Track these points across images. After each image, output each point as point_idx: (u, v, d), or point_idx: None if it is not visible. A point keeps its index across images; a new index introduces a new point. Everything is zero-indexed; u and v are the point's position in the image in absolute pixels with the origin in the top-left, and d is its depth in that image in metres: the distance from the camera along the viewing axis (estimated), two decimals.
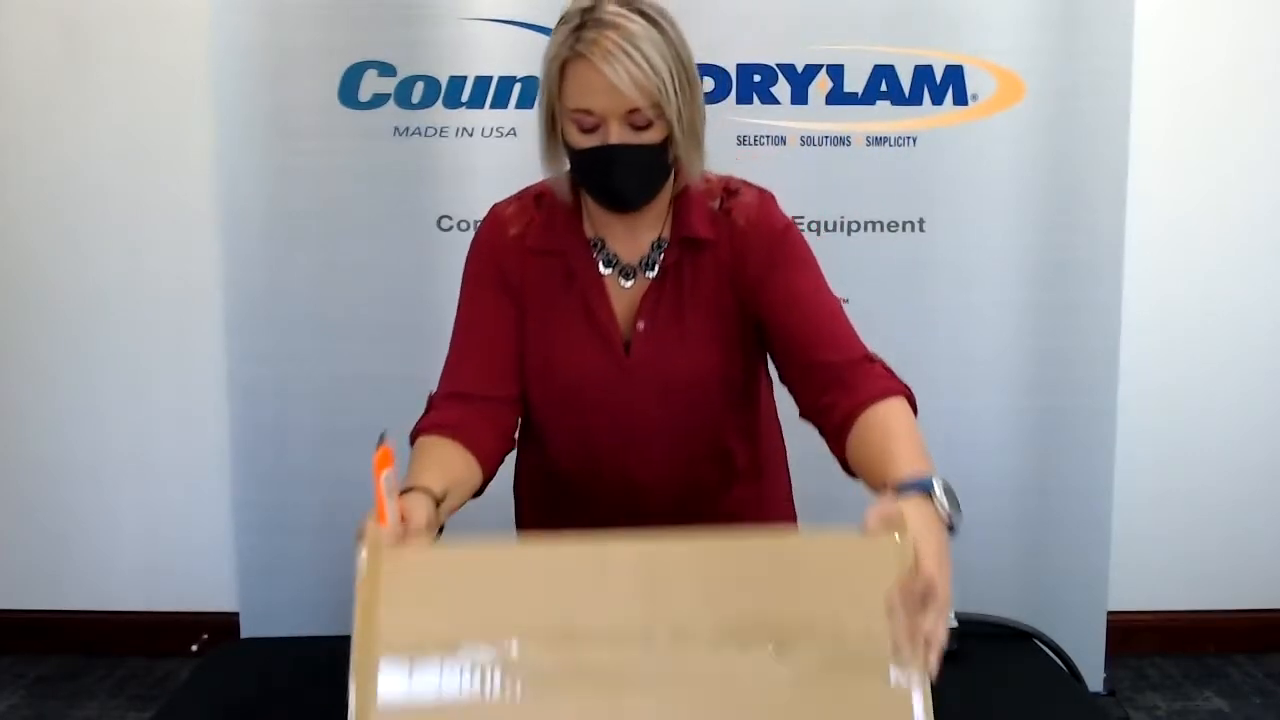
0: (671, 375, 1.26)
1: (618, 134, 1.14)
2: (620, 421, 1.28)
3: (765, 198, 1.30)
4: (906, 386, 1.21)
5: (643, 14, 1.13)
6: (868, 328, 2.35)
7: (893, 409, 1.16)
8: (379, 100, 2.29)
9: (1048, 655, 1.31)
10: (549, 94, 1.19)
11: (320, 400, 2.37)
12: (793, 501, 1.50)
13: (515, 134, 2.26)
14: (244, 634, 2.39)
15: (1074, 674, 1.30)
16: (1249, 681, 2.65)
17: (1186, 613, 2.78)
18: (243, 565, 2.44)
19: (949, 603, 0.90)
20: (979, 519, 2.41)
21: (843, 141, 2.30)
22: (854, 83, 2.28)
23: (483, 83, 2.28)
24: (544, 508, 1.43)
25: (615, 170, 1.16)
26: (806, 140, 2.30)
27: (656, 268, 1.26)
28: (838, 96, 2.29)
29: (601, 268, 1.27)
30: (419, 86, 2.28)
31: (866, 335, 2.27)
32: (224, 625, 2.58)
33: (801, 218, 2.31)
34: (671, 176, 1.23)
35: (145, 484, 2.75)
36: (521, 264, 1.28)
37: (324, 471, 2.38)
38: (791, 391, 1.27)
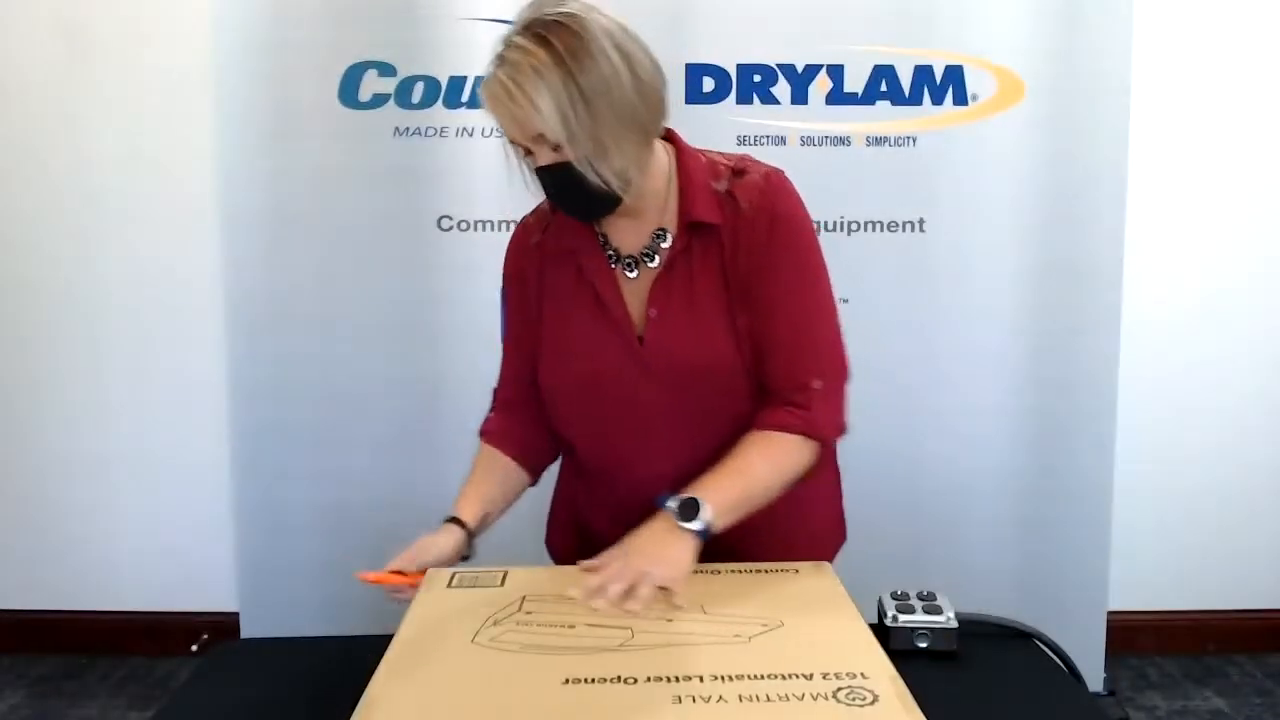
0: (685, 362, 1.26)
1: (542, 157, 1.17)
2: (637, 411, 1.29)
3: (771, 178, 1.29)
4: (815, 424, 1.26)
5: (540, 38, 1.12)
6: (868, 328, 2.36)
7: (764, 441, 1.24)
8: (379, 100, 2.29)
9: (1048, 655, 1.31)
10: None
11: (320, 400, 2.37)
12: (833, 493, 1.49)
13: None
14: (244, 634, 2.39)
15: (1074, 674, 1.30)
16: (1249, 681, 2.65)
17: (1186, 613, 2.78)
18: (243, 565, 2.44)
19: (657, 566, 1.13)
20: (979, 519, 2.44)
21: (843, 141, 2.30)
22: (854, 83, 2.28)
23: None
24: (566, 503, 1.48)
25: (553, 190, 1.21)
26: (806, 140, 2.30)
27: (657, 257, 1.28)
28: (838, 96, 2.29)
29: (611, 262, 1.29)
30: (419, 86, 2.28)
31: (867, 335, 2.27)
32: (224, 625, 2.58)
33: None
34: (630, 178, 1.21)
35: (145, 484, 2.76)
36: (539, 267, 1.33)
37: (324, 471, 2.38)
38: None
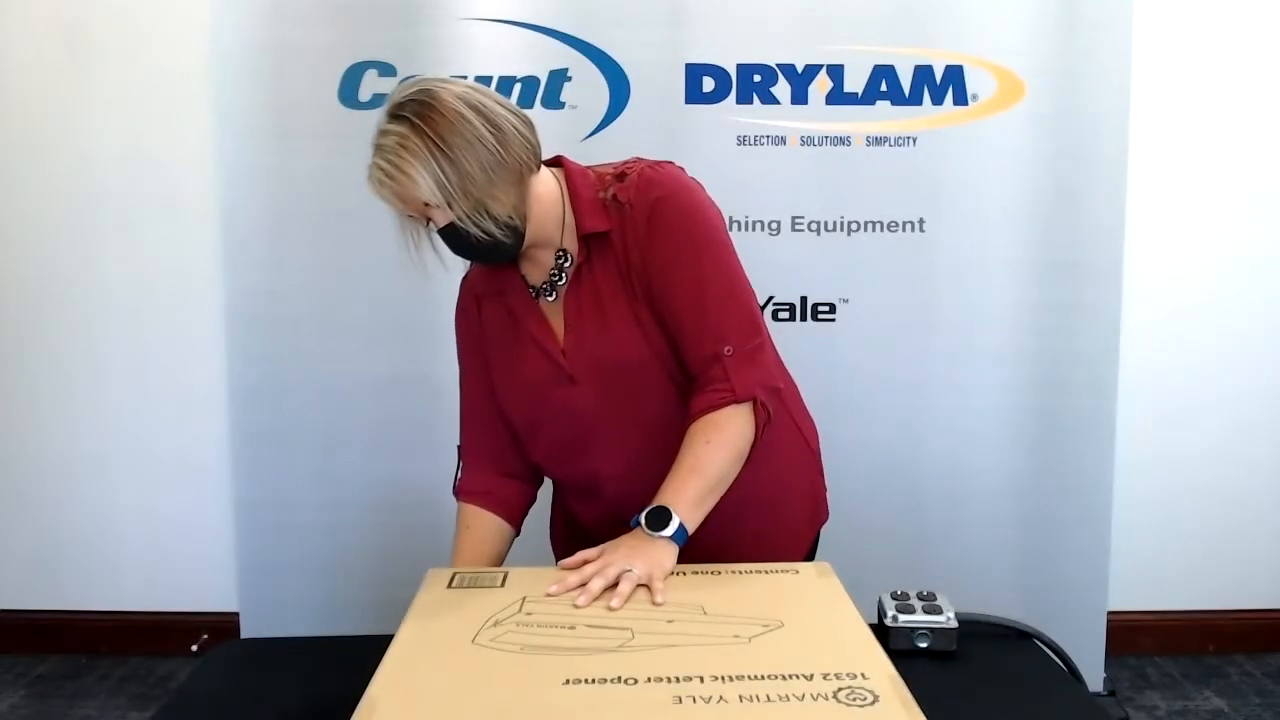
0: (599, 362, 1.33)
1: (437, 219, 1.27)
2: (575, 421, 1.36)
3: (647, 171, 1.34)
4: (739, 388, 1.29)
5: (406, 119, 1.21)
6: (868, 328, 2.36)
7: (702, 428, 1.28)
8: (379, 100, 2.28)
9: (1048, 655, 1.31)
10: None
11: (320, 400, 2.37)
12: (803, 467, 1.50)
13: None
14: (244, 634, 2.39)
15: (1074, 674, 1.30)
16: (1249, 681, 2.65)
17: (1186, 613, 2.78)
18: (243, 565, 2.44)
19: (639, 564, 1.18)
20: (979, 519, 2.44)
21: (843, 141, 2.30)
22: (854, 83, 2.28)
23: (483, 83, 2.27)
24: (560, 508, 1.53)
25: (454, 247, 1.31)
26: (806, 140, 2.30)
27: (564, 275, 1.36)
28: (838, 96, 2.29)
29: (533, 294, 1.38)
30: None
31: (867, 335, 2.28)
32: (224, 625, 2.58)
33: (802, 218, 2.31)
34: (519, 219, 1.28)
35: (145, 484, 2.76)
36: (479, 311, 1.43)
37: (324, 471, 2.39)
38: None
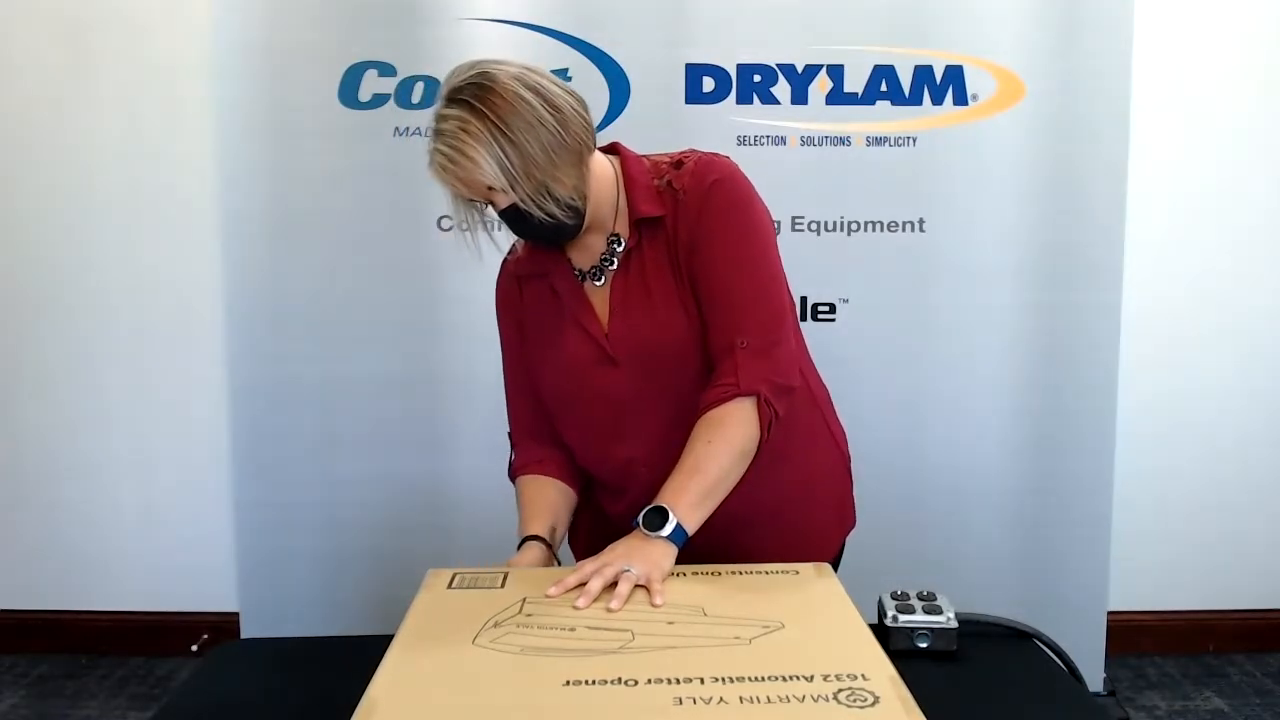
0: (643, 346, 1.33)
1: (498, 202, 1.27)
2: (610, 404, 1.36)
3: (704, 160, 1.35)
4: (744, 382, 1.28)
5: (462, 103, 1.21)
6: (868, 328, 2.36)
7: (705, 425, 1.28)
8: (379, 100, 2.29)
9: (1048, 655, 1.31)
10: None
11: (320, 400, 2.37)
12: (834, 475, 1.51)
13: None
14: (244, 634, 2.39)
15: (1074, 674, 1.30)
16: (1249, 681, 2.65)
17: (1186, 613, 2.78)
18: (243, 565, 2.44)
19: (638, 564, 1.19)
20: (979, 519, 2.43)
21: (843, 141, 2.30)
22: (854, 83, 2.28)
23: None
24: (584, 521, 1.51)
25: (515, 229, 1.32)
26: (806, 140, 2.30)
27: (615, 260, 1.36)
28: (838, 96, 2.29)
29: (579, 277, 1.38)
30: (419, 86, 2.28)
31: (867, 335, 2.27)
32: (224, 625, 2.58)
33: (802, 218, 2.31)
34: (580, 200, 1.29)
35: (146, 484, 2.76)
36: (521, 292, 1.43)
37: (324, 471, 2.39)
38: None
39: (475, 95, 1.20)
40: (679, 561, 1.23)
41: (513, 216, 1.27)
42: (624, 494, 1.40)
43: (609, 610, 1.12)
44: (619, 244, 1.36)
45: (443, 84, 1.25)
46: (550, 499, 1.41)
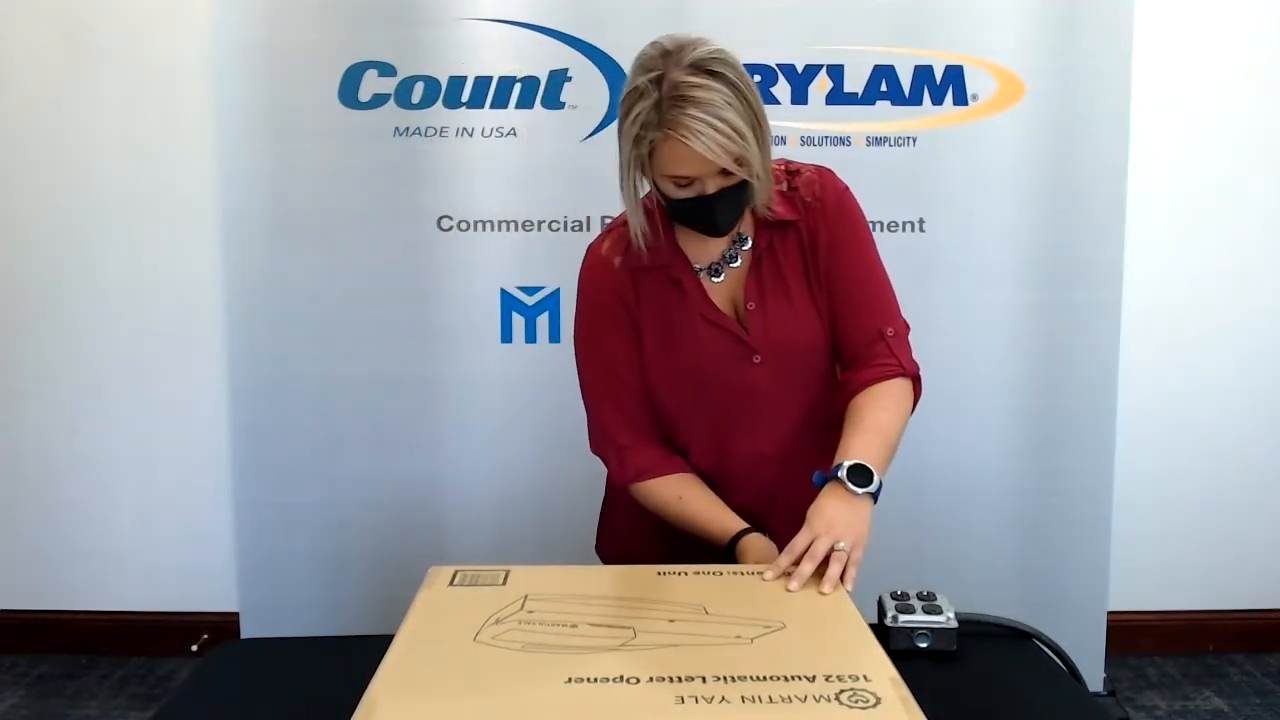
0: (786, 344, 1.39)
1: (712, 185, 1.27)
2: (746, 399, 1.40)
3: (823, 172, 1.43)
4: (905, 364, 1.39)
5: (714, 74, 1.21)
6: None
7: (874, 396, 1.35)
8: (379, 100, 2.29)
9: (1048, 655, 1.31)
10: (638, 159, 1.28)
11: (320, 400, 2.37)
12: None
13: (515, 134, 2.26)
14: (244, 634, 2.39)
15: (1074, 674, 1.30)
16: (1249, 681, 2.65)
17: (1186, 613, 2.78)
18: (243, 565, 2.44)
19: (846, 535, 1.21)
20: (979, 519, 2.43)
21: (843, 141, 2.30)
22: (854, 83, 2.28)
23: (483, 83, 2.28)
24: (621, 509, 1.51)
25: (713, 213, 1.30)
26: (806, 140, 2.30)
27: (739, 259, 1.40)
28: (838, 96, 2.29)
29: (695, 273, 1.40)
30: (419, 86, 2.28)
31: None
32: (224, 625, 2.58)
33: None
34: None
35: (146, 484, 2.76)
36: (634, 284, 1.41)
37: (324, 471, 2.39)
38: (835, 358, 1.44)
39: (728, 68, 1.22)
40: (694, 560, 1.25)
41: (727, 198, 1.27)
42: (737, 489, 1.42)
43: (821, 594, 1.15)
44: (744, 243, 1.39)
45: (670, 51, 1.24)
46: (713, 495, 1.41)
